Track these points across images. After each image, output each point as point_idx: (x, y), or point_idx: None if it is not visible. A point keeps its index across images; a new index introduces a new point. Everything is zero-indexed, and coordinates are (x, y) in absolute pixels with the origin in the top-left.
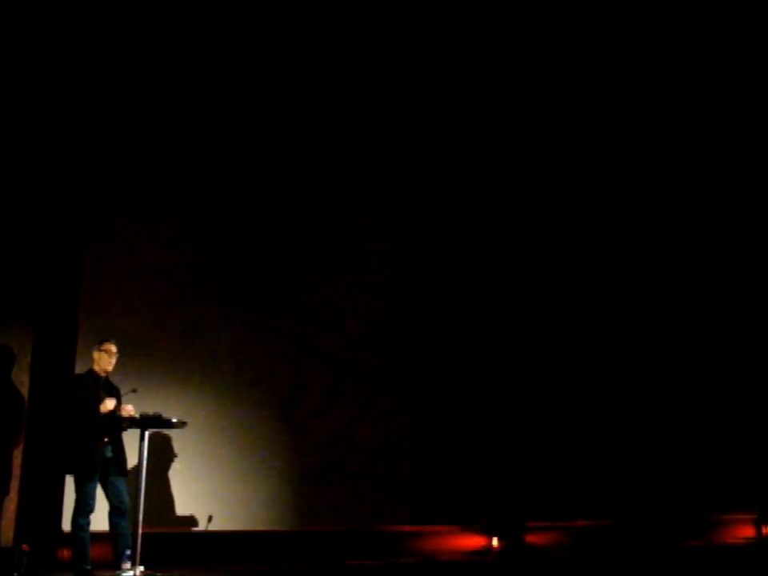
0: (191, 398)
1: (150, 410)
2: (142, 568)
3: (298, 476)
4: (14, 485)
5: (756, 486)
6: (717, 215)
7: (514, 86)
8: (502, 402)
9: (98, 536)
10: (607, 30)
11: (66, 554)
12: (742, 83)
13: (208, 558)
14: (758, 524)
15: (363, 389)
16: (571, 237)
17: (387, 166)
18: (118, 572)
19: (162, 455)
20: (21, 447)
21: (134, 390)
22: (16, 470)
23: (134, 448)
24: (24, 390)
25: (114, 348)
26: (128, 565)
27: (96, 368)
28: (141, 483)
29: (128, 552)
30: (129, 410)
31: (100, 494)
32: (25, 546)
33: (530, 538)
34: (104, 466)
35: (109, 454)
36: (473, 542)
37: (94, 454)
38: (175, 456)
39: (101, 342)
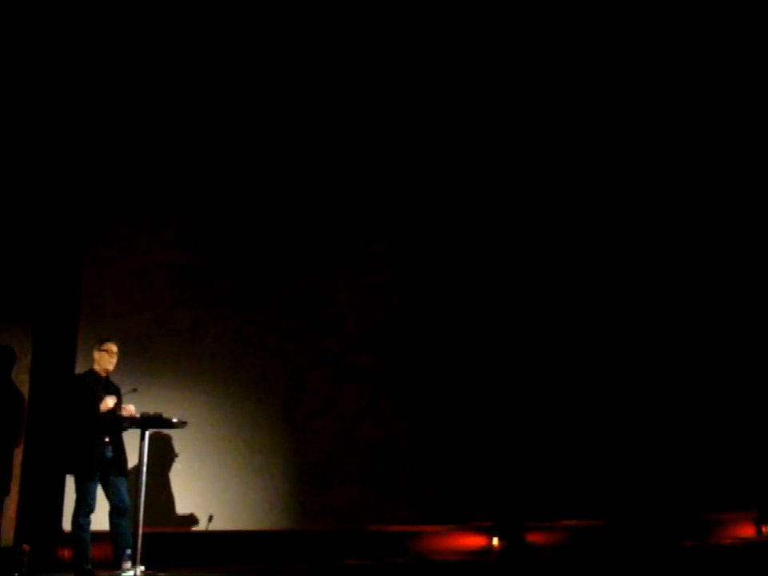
0: (191, 398)
1: (151, 409)
2: (142, 568)
3: (298, 476)
4: (15, 484)
5: (755, 485)
6: (717, 215)
7: (513, 87)
8: (502, 402)
9: (99, 536)
10: (607, 30)
11: (66, 553)
12: (742, 83)
13: (208, 558)
14: (757, 523)
15: (363, 389)
16: (571, 237)
17: (387, 166)
18: (118, 572)
19: (162, 455)
20: (21, 447)
21: (135, 390)
22: (16, 470)
23: (134, 448)
24: (24, 390)
25: (114, 348)
26: (128, 564)
27: (96, 368)
28: (141, 483)
29: (128, 552)
30: (129, 409)
31: (100, 493)
32: (25, 546)
33: (531, 538)
34: (104, 466)
35: (109, 453)
36: (473, 541)
37: (94, 454)
38: (176, 456)
39: (101, 341)
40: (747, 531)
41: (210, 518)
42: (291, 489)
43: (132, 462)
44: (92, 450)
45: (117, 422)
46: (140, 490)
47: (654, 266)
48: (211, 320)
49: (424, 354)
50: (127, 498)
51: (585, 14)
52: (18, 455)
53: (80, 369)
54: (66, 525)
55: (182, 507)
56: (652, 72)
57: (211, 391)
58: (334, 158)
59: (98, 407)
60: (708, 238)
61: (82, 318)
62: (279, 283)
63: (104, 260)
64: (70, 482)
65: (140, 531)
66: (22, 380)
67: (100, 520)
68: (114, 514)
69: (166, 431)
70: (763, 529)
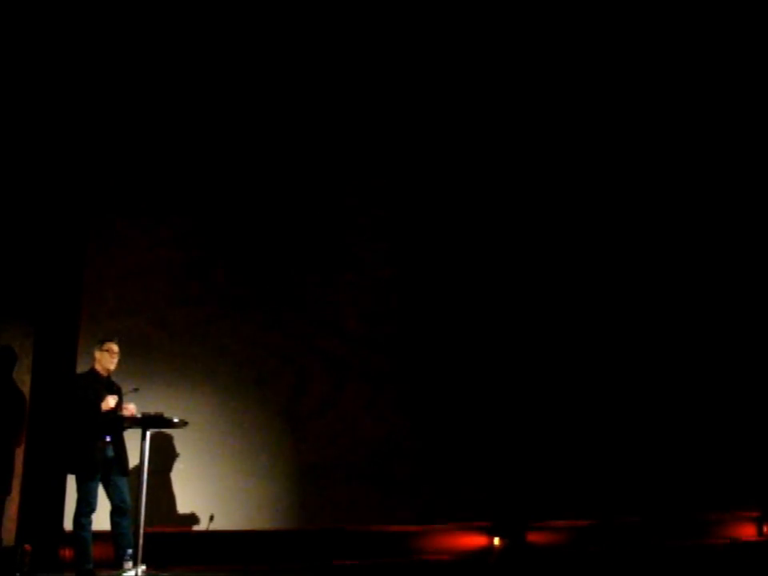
0: (192, 398)
1: (152, 409)
2: (143, 567)
3: (298, 475)
4: (16, 484)
5: (757, 484)
6: (717, 215)
7: (513, 87)
8: (503, 401)
9: (100, 535)
10: (607, 30)
11: (67, 553)
12: (742, 83)
13: (209, 558)
14: (759, 522)
15: (363, 388)
16: (571, 237)
17: (387, 166)
18: (119, 571)
19: (163, 455)
20: (22, 446)
21: (136, 390)
22: (18, 469)
23: (135, 447)
24: (26, 390)
25: (115, 347)
26: (129, 564)
27: (98, 367)
28: (142, 483)
29: (129, 551)
30: (130, 409)
31: (101, 493)
32: (27, 546)
33: (532, 537)
34: (105, 466)
35: (110, 453)
36: (474, 541)
37: (95, 454)
38: (177, 455)
39: (102, 341)
40: (748, 531)
41: (211, 518)
42: (292, 488)
43: (133, 461)
44: (93, 450)
45: (118, 422)
46: (141, 490)
47: (653, 266)
48: (211, 320)
49: (424, 353)
50: (128, 498)
51: (584, 14)
52: (20, 455)
53: (81, 368)
54: (68, 525)
55: (183, 507)
56: (652, 72)
57: (212, 391)
58: (334, 158)
59: (99, 407)
60: (708, 238)
61: (82, 317)
62: (279, 283)
63: (104, 260)
64: (71, 482)
65: (141, 531)
66: (23, 380)
67: (101, 520)
68: (115, 513)
69: (166, 431)
70: (764, 528)
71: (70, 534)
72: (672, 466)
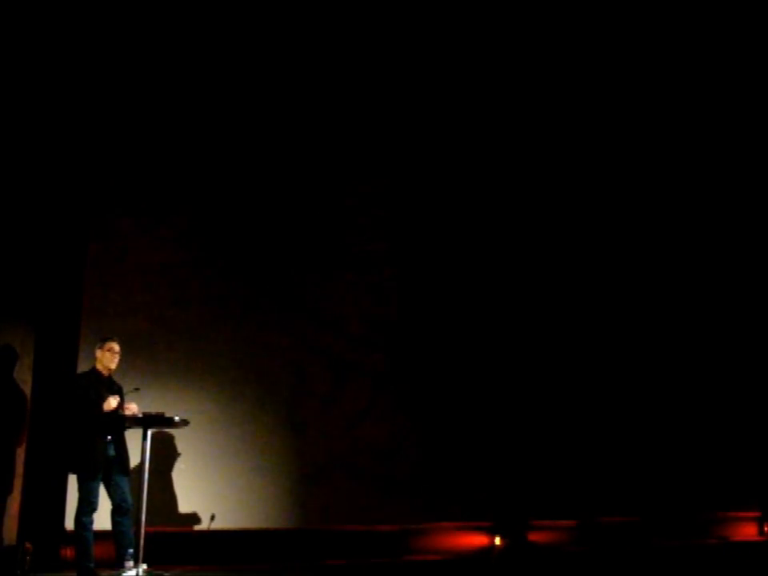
0: (193, 398)
1: (153, 408)
2: (144, 566)
3: (299, 475)
4: (17, 483)
5: (759, 484)
6: (717, 215)
7: (513, 87)
8: (503, 400)
9: (101, 535)
10: (607, 30)
11: (69, 552)
12: (742, 83)
13: (210, 557)
14: (760, 522)
15: (364, 388)
16: (571, 237)
17: (387, 166)
18: (120, 570)
19: (164, 454)
20: (24, 446)
21: (137, 389)
22: (19, 469)
23: (136, 447)
24: (27, 389)
25: (116, 347)
26: (131, 563)
27: (99, 367)
28: (143, 482)
29: (131, 551)
30: (132, 408)
31: (103, 492)
32: (28, 545)
33: (533, 536)
34: (107, 465)
35: (111, 452)
36: (475, 540)
37: (96, 453)
38: (178, 455)
39: (103, 340)
40: (749, 530)
41: (212, 517)
42: (292, 488)
43: (134, 461)
44: (94, 449)
45: (119, 421)
46: (142, 489)
47: (654, 266)
48: (211, 320)
49: (424, 353)
50: (129, 497)
51: (584, 14)
52: (21, 454)
53: (82, 368)
54: (69, 524)
55: (184, 506)
56: (652, 72)
57: (212, 391)
58: (334, 158)
59: (100, 406)
60: (708, 239)
61: (83, 317)
62: (279, 283)
63: (105, 260)
64: (72, 481)
65: (142, 530)
66: (24, 379)
67: (102, 519)
68: (117, 513)
69: (168, 430)
70: (765, 528)
71: (71, 533)
72: (672, 466)
